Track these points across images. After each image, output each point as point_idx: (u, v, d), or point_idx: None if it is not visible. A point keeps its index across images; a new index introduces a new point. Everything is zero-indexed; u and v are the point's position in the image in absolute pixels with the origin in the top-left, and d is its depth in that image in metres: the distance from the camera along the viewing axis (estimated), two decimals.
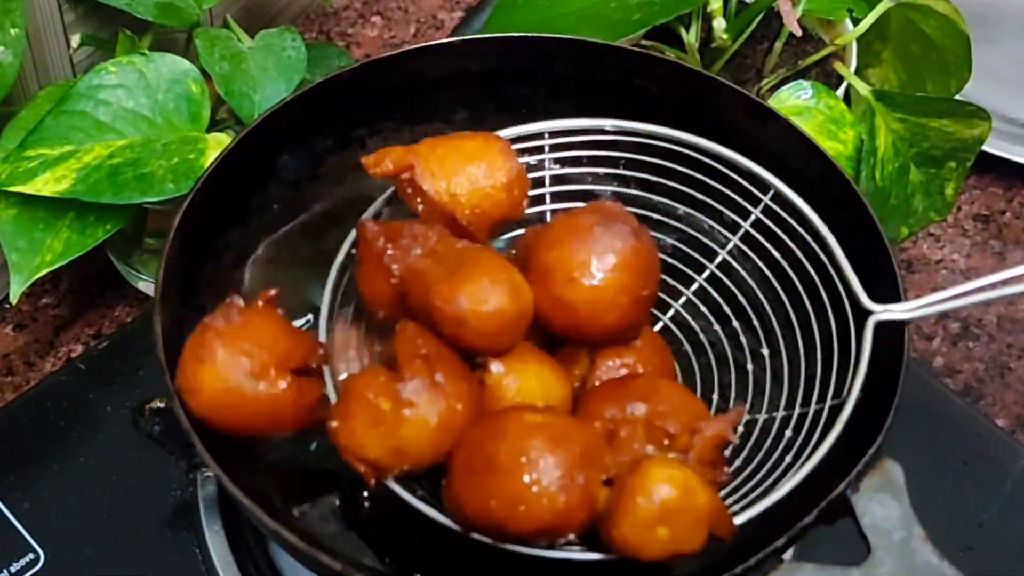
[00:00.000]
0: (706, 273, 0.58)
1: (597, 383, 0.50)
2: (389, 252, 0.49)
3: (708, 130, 0.56)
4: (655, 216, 0.57)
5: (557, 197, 0.59)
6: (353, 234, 0.53)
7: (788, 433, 0.51)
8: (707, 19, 0.73)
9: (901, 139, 0.70)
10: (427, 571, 0.50)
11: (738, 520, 0.46)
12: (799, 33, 0.71)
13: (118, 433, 0.62)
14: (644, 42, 0.74)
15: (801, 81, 0.69)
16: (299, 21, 0.89)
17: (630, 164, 0.58)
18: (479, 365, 0.48)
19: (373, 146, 0.53)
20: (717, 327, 0.57)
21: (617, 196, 0.58)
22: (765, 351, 0.55)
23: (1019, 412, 0.72)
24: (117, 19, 0.68)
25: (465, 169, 0.51)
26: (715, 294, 0.57)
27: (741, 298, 0.57)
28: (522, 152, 0.55)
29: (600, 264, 0.48)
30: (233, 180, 0.56)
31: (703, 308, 0.58)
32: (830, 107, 0.69)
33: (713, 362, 0.56)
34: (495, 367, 0.48)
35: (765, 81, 0.74)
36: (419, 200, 0.51)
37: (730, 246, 0.57)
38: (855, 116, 0.70)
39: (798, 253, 0.54)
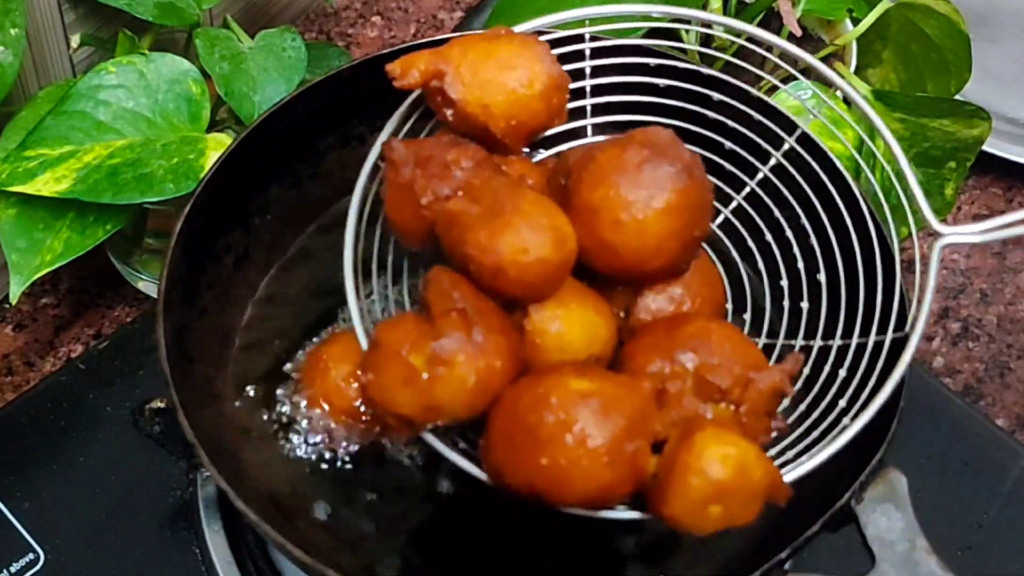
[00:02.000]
0: (759, 176, 0.53)
1: (642, 316, 0.47)
2: (420, 181, 0.45)
3: (712, 128, 0.55)
4: (710, 114, 0.53)
5: (598, 90, 0.54)
6: (378, 147, 0.49)
7: (842, 373, 0.48)
8: None
9: (901, 139, 0.70)
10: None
11: (792, 475, 0.44)
12: (799, 33, 0.71)
13: (118, 433, 0.62)
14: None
15: (801, 81, 0.69)
16: (299, 21, 0.88)
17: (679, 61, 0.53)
18: (518, 307, 0.45)
19: (374, 142, 0.52)
20: (772, 242, 0.53)
21: (669, 88, 0.53)
22: (822, 276, 0.51)
23: (1019, 412, 0.72)
24: (117, 19, 0.68)
25: (500, 77, 0.47)
26: (770, 202, 0.53)
27: (798, 208, 0.52)
28: (561, 42, 0.51)
29: (648, 207, 0.44)
30: (235, 181, 0.56)
31: (758, 219, 0.53)
32: (830, 107, 0.69)
33: (767, 288, 0.52)
34: (536, 314, 0.44)
35: (765, 81, 0.74)
36: (449, 111, 0.47)
37: (786, 147, 0.53)
38: (855, 116, 0.70)
39: (863, 167, 0.50)
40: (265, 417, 0.55)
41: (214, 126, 0.65)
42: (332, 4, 0.90)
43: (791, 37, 0.73)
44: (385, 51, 0.59)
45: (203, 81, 0.63)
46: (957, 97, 0.75)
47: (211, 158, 0.61)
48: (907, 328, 0.48)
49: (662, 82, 0.54)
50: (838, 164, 0.56)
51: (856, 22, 0.74)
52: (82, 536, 0.59)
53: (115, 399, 0.64)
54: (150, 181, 0.60)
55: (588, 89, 0.54)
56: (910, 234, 0.71)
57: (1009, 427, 0.71)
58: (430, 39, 0.60)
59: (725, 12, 0.72)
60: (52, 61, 0.67)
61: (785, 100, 0.69)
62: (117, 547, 0.59)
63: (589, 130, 0.54)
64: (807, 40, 0.76)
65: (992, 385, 0.73)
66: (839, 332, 0.51)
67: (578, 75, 0.53)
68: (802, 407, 0.48)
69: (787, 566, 0.47)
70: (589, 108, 0.54)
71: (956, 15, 0.72)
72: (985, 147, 0.70)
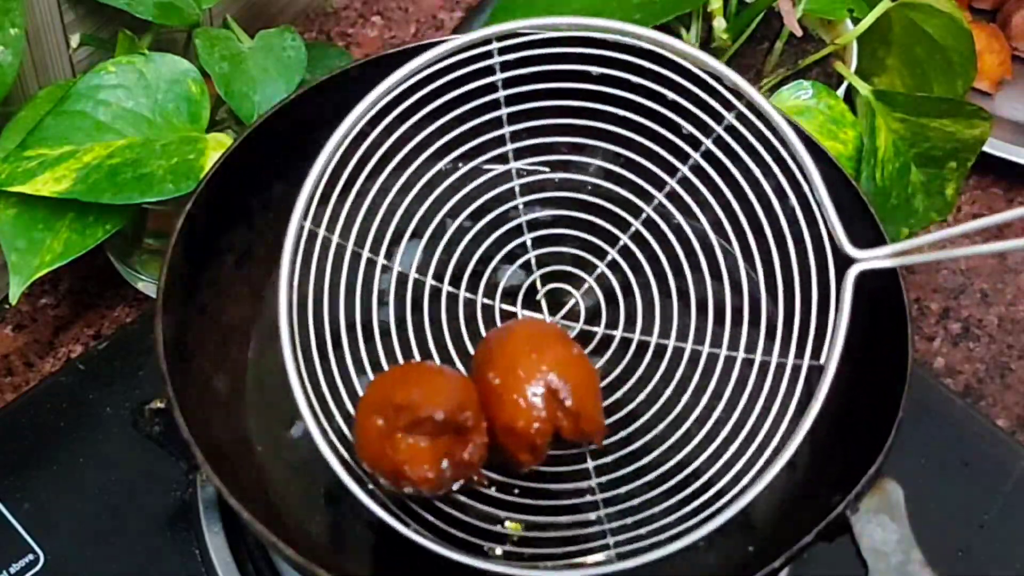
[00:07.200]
0: (678, 175, 0.54)
1: None
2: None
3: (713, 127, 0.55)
4: (620, 131, 0.54)
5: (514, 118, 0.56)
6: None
7: (767, 382, 0.50)
8: (707, 19, 0.73)
9: (902, 139, 0.69)
10: None
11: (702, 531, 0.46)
12: (799, 33, 0.71)
13: (118, 433, 0.62)
14: None
15: (801, 81, 0.69)
16: (299, 21, 0.88)
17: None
18: None
19: (378, 140, 0.52)
20: (682, 257, 0.54)
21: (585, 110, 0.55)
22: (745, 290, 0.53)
23: (1019, 412, 0.72)
24: (117, 19, 0.68)
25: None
26: (678, 215, 0.54)
27: (717, 210, 0.53)
28: (469, 61, 0.53)
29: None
30: (236, 180, 0.56)
31: (664, 227, 0.55)
32: (830, 107, 0.69)
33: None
34: None
35: (765, 81, 0.74)
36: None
37: (702, 150, 0.54)
38: (855, 116, 0.70)
39: (783, 183, 0.51)
40: (263, 416, 0.55)
41: (214, 126, 0.65)
42: (332, 4, 0.90)
43: (791, 36, 0.73)
44: (386, 51, 0.59)
45: (203, 81, 0.63)
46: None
47: (211, 158, 0.61)
48: (823, 356, 0.49)
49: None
50: (838, 164, 0.56)
51: (857, 22, 0.74)
52: (82, 536, 0.59)
53: (115, 399, 0.64)
54: (150, 181, 0.60)
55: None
56: (911, 234, 0.71)
57: (1010, 427, 0.71)
58: (430, 40, 0.60)
59: (725, 13, 0.72)
60: (52, 61, 0.67)
61: (785, 100, 0.69)
62: (117, 547, 0.59)
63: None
64: (807, 40, 0.76)
65: (993, 385, 0.73)
66: (760, 349, 0.52)
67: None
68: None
69: (781, 575, 0.46)
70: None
71: (958, 12, 0.72)
72: (985, 147, 0.70)
